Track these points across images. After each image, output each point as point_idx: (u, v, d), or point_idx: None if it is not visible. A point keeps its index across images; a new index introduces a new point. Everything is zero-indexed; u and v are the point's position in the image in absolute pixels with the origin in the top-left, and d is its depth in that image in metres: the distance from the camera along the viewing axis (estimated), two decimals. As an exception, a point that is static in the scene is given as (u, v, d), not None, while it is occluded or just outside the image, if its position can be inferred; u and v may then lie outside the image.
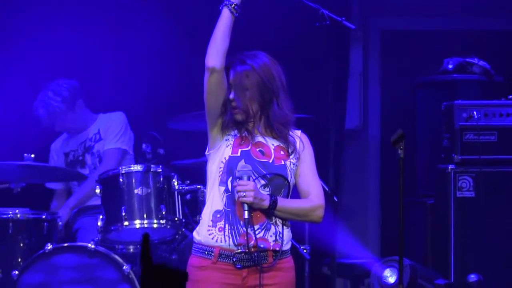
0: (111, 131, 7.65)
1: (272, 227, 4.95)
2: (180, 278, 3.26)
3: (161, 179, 6.86)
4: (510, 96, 7.38)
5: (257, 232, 4.92)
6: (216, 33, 4.90)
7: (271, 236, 4.99)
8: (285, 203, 5.03)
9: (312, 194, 5.15)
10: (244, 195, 4.76)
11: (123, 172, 6.91)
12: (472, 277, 6.84)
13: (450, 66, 7.86)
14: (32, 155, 7.24)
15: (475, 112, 7.19)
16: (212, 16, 5.41)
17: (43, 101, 7.58)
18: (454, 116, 7.24)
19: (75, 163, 7.71)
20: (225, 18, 4.88)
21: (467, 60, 7.86)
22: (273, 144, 5.06)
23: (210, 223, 5.03)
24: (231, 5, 4.89)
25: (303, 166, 5.24)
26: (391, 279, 7.09)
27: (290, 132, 5.24)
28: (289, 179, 5.05)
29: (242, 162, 4.98)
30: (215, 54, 5.02)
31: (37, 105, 7.60)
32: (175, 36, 8.18)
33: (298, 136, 5.31)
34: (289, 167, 5.04)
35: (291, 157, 5.06)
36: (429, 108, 7.94)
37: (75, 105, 7.62)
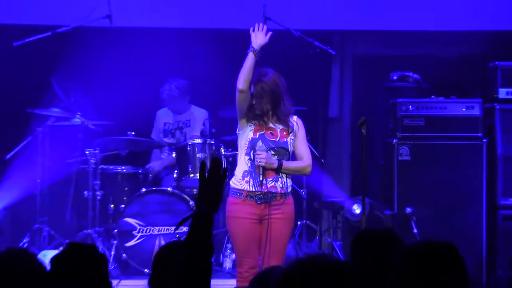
0: (197, 124, 7.66)
1: (280, 179, 5.45)
2: (223, 173, 3.23)
3: (213, 148, 7.17)
4: (432, 97, 7.41)
5: (269, 183, 5.41)
6: (244, 69, 5.29)
7: (279, 185, 5.48)
8: (287, 164, 5.56)
9: (304, 157, 5.63)
10: (259, 161, 5.31)
11: (190, 143, 7.22)
12: (408, 209, 6.96)
13: (395, 78, 7.90)
14: (133, 132, 7.45)
15: (410, 106, 7.22)
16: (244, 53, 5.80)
17: (168, 90, 7.62)
18: (397, 109, 7.24)
19: (168, 132, 7.76)
20: (250, 59, 5.30)
21: (405, 73, 7.87)
22: (279, 128, 5.51)
23: (240, 177, 5.54)
24: (254, 51, 5.34)
25: (298, 140, 5.68)
26: (357, 211, 7.30)
27: (290, 119, 5.64)
28: (289, 150, 5.56)
29: (259, 142, 5.47)
30: (243, 81, 5.40)
31: (162, 91, 7.63)
32: (225, 63, 7.58)
33: (295, 120, 5.72)
34: (289, 142, 5.52)
35: (290, 135, 5.53)
36: (382, 103, 7.87)
37: (184, 97, 7.67)
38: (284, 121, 5.59)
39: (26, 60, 7.48)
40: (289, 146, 5.57)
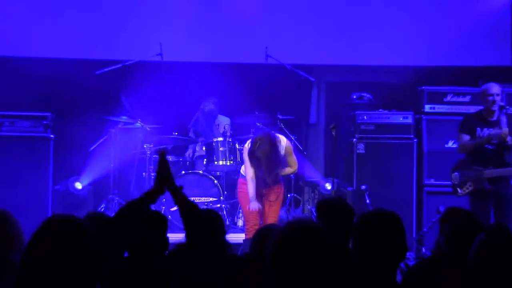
0: (223, 127, 7.59)
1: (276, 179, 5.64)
2: None
3: (231, 143, 7.04)
4: (380, 110, 7.40)
5: (270, 182, 5.60)
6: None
7: (276, 181, 5.67)
8: (283, 172, 5.74)
9: (292, 165, 5.79)
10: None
11: (214, 140, 7.07)
12: (363, 187, 6.99)
13: (354, 97, 8.02)
14: (176, 133, 7.34)
15: (365, 116, 7.27)
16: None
17: (208, 105, 7.51)
18: (356, 118, 7.24)
19: (204, 131, 7.61)
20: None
21: (362, 94, 7.98)
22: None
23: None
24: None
25: (288, 156, 5.76)
26: (328, 187, 7.38)
27: (279, 148, 5.57)
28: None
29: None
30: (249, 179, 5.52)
31: (204, 105, 7.51)
32: (239, 86, 7.63)
33: (284, 146, 5.67)
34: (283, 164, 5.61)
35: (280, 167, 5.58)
36: (345, 114, 7.86)
37: (217, 110, 7.55)
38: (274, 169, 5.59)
39: (104, 83, 7.32)
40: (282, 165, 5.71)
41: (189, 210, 3.47)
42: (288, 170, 5.84)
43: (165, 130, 7.38)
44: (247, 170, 5.65)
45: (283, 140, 5.71)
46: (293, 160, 5.84)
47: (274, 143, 5.53)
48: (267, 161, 5.46)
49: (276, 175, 5.63)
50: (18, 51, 7.58)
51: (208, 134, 7.48)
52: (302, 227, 1.94)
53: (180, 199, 3.52)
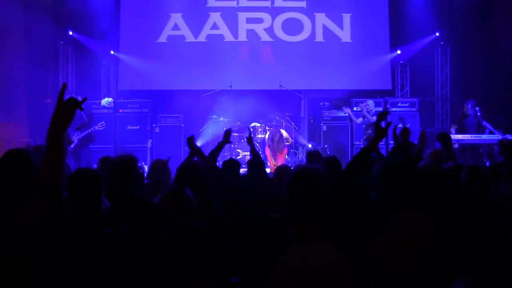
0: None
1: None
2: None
3: (263, 127, 8.30)
4: (333, 110, 8.52)
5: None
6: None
7: (282, 149, 6.12)
8: (287, 143, 6.04)
9: (290, 140, 6.35)
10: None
11: (257, 126, 8.43)
12: (326, 146, 8.20)
13: (321, 104, 9.06)
14: (238, 122, 8.43)
15: (326, 113, 8.64)
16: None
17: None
18: (322, 114, 8.45)
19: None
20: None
21: (325, 103, 8.96)
22: None
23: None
24: None
25: (287, 137, 6.39)
26: (310, 146, 8.32)
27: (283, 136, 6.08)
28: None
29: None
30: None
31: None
32: (265, 100, 8.49)
33: (284, 134, 6.31)
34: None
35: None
36: (317, 112, 8.86)
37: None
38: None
39: (206, 100, 8.74)
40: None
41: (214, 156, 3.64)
42: (289, 142, 7.49)
43: (233, 121, 8.86)
44: (266, 147, 7.00)
45: (284, 132, 7.32)
46: (289, 139, 7.36)
47: (281, 134, 6.72)
48: (278, 144, 6.42)
49: (283, 147, 6.70)
50: (170, 85, 9.38)
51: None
52: (303, 168, 2.00)
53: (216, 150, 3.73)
